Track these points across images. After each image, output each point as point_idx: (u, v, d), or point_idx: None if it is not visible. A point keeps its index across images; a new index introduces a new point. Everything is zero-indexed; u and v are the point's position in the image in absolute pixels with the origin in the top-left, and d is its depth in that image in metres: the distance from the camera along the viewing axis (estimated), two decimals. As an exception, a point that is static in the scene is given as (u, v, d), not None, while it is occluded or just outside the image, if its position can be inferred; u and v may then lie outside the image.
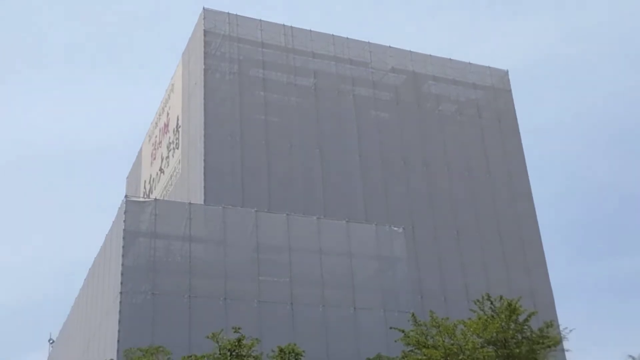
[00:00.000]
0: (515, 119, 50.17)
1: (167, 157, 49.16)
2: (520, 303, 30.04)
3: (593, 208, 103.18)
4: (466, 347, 27.46)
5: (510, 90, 51.10)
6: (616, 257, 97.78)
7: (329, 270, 35.17)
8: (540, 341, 29.44)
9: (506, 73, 51.80)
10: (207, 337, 28.23)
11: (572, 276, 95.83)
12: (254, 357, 28.51)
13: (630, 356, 30.36)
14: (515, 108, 50.54)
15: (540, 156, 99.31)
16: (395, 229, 37.99)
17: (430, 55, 49.58)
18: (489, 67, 51.43)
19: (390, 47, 48.50)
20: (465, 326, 29.13)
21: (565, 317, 77.31)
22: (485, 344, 28.51)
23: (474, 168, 46.71)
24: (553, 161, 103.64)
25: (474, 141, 47.88)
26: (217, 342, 28.01)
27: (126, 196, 34.34)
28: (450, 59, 50.27)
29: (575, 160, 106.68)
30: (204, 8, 44.19)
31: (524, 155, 49.02)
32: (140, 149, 58.71)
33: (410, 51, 48.94)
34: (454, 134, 47.48)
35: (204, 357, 28.04)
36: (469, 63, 50.83)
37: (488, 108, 50.00)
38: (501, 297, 30.59)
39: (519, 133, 49.78)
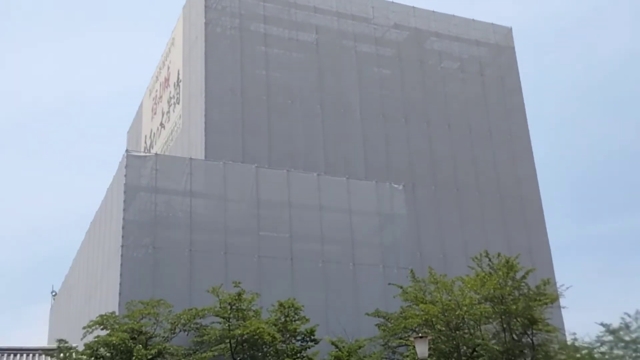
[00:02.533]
0: (518, 77, 49.91)
1: (168, 112, 49.04)
2: (518, 261, 30.34)
3: (594, 167, 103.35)
4: (463, 303, 27.81)
5: (513, 48, 50.72)
6: (616, 215, 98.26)
7: (328, 226, 35.39)
8: (537, 298, 29.81)
9: (510, 30, 51.33)
10: (208, 291, 28.60)
11: (571, 235, 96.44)
12: (253, 311, 28.90)
13: (625, 313, 30.66)
14: (518, 66, 50.26)
15: (543, 115, 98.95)
16: (396, 186, 38.10)
17: (433, 12, 49.10)
18: (493, 24, 50.94)
19: (393, 2, 48.02)
20: (463, 283, 29.48)
21: (563, 275, 78.08)
22: (483, 301, 28.87)
23: (475, 126, 46.61)
24: (555, 120, 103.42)
25: (476, 99, 47.70)
26: (218, 296, 28.38)
27: (127, 151, 34.38)
28: (453, 16, 49.79)
29: (577, 120, 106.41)
30: (205, -39, 43.58)
31: (525, 114, 48.89)
32: (141, 104, 58.52)
33: (413, 7, 48.45)
34: (456, 92, 47.28)
35: (205, 310, 28.43)
36: (473, 20, 50.36)
37: (491, 66, 49.70)
38: (499, 255, 30.87)
39: (522, 91, 49.57)
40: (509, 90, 49.07)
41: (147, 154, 35.65)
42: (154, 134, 52.62)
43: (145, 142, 54.80)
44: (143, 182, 32.82)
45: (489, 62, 49.77)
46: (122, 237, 31.22)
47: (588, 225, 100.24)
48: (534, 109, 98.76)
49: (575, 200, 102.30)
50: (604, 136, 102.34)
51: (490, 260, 30.89)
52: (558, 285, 32.46)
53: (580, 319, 62.55)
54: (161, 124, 50.74)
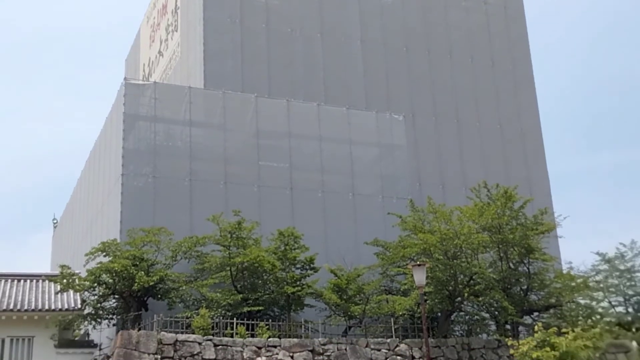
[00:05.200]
0: (522, 5, 48.99)
1: (166, 39, 48.33)
2: (516, 191, 30.48)
3: (596, 99, 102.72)
4: (461, 232, 28.08)
5: (517, -25, 49.55)
6: (617, 148, 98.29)
7: (328, 156, 35.43)
8: (534, 227, 30.10)
9: (514, -43, 50.04)
10: (208, 220, 28.86)
11: (571, 166, 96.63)
12: (253, 239, 29.23)
13: (621, 243, 31.06)
14: (522, -6, 49.24)
15: (545, 45, 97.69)
16: (396, 116, 37.96)
17: (436, -61, 47.73)
18: (497, -49, 49.66)
19: None
20: (461, 212, 29.70)
21: (561, 206, 78.58)
22: (480, 230, 29.16)
23: (477, 56, 46.02)
24: (557, 50, 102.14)
25: (479, 28, 46.91)
26: (218, 224, 28.65)
27: (125, 79, 34.08)
28: (457, -58, 48.44)
29: (580, 50, 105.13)
30: None
31: (528, 44, 48.24)
32: (139, 31, 57.62)
33: None
34: (459, 20, 46.45)
35: (205, 238, 28.75)
36: (477, -54, 49.02)
37: (494, -7, 48.65)
38: (497, 185, 31.01)
39: (525, 21, 48.75)
40: (512, 19, 48.23)
41: (146, 82, 35.38)
42: (152, 62, 52.02)
43: (144, 71, 54.22)
44: (142, 110, 32.66)
45: (493, -11, 48.72)
46: (122, 166, 31.29)
47: (588, 157, 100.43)
48: (537, 37, 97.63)
49: (576, 132, 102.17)
50: (607, 67, 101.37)
51: (488, 190, 31.06)
52: (555, 215, 32.76)
53: (576, 248, 63.48)
54: (159, 52, 50.09)
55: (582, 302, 30.53)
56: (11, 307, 27.30)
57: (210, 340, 24.60)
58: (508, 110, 45.55)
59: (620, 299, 30.33)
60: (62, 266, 28.25)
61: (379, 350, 27.02)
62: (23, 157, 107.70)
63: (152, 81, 38.01)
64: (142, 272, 26.48)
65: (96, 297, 27.71)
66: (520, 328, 29.95)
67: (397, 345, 27.39)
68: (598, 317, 30.11)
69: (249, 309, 26.90)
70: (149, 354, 23.37)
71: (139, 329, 24.91)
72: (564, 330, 24.25)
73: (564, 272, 31.50)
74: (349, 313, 28.24)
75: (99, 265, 27.04)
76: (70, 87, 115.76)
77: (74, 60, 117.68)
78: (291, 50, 40.92)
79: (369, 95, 41.58)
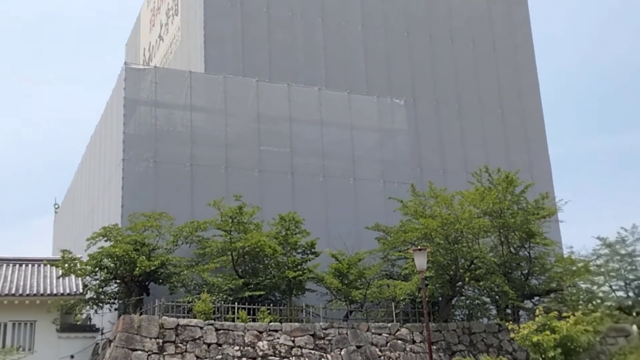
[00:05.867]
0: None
1: (166, 23, 48.11)
2: (517, 176, 30.46)
3: (598, 83, 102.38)
4: (463, 217, 28.09)
5: (518, -42, 49.19)
6: (618, 132, 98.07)
7: (329, 141, 35.36)
8: (535, 212, 30.10)
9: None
10: (209, 205, 28.85)
11: (572, 150, 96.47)
12: (254, 224, 29.25)
13: (622, 227, 31.10)
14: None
15: (547, 29, 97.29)
16: (397, 101, 37.85)
17: None
18: None
19: None
20: (462, 197, 29.69)
21: (563, 190, 78.55)
22: (482, 215, 29.16)
23: (478, 40, 45.80)
24: (560, 34, 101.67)
25: (480, 12, 46.65)
26: (219, 209, 28.66)
27: (125, 63, 33.94)
28: None
29: (582, 34, 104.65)
30: None
31: (530, 28, 47.98)
32: (139, 15, 57.35)
33: None
34: (460, 4, 46.18)
35: (206, 223, 28.76)
36: None
37: (496, -25, 48.31)
38: (499, 170, 30.98)
39: (527, 4, 48.45)
40: (514, 3, 47.95)
41: (146, 67, 35.24)
42: (153, 46, 51.82)
43: (144, 55, 54.04)
44: (143, 95, 32.56)
45: (494, -27, 48.38)
46: (123, 151, 31.25)
47: (590, 141, 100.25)
48: (539, 21, 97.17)
49: (578, 115, 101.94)
50: (611, 50, 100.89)
51: (490, 175, 31.04)
52: (557, 199, 32.77)
53: (577, 232, 63.51)
54: (160, 37, 49.89)
55: (583, 286, 30.63)
56: (13, 291, 27.39)
57: (211, 324, 24.69)
58: (509, 94, 45.41)
59: (621, 283, 30.45)
60: (64, 251, 28.29)
61: (380, 334, 27.12)
62: (24, 142, 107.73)
63: (152, 66, 37.87)
64: (144, 257, 26.52)
65: (98, 281, 27.77)
66: (521, 312, 30.05)
67: (398, 330, 27.48)
68: (599, 301, 30.22)
69: (250, 293, 26.97)
70: (150, 338, 23.46)
71: (141, 314, 24.99)
72: (564, 314, 24.32)
73: (565, 256, 31.56)
74: (350, 297, 28.30)
75: (100, 250, 27.08)
76: (71, 72, 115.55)
77: (75, 45, 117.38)
78: (292, 35, 40.75)
79: (370, 79, 41.45)
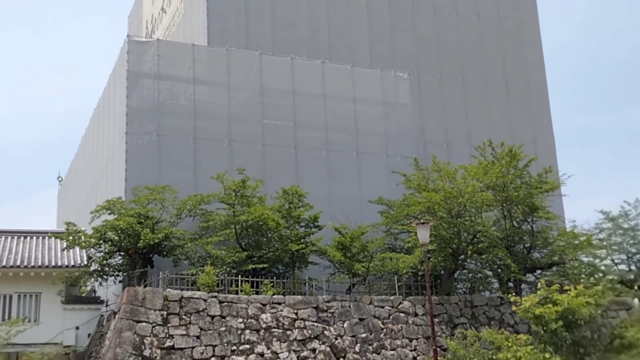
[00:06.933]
0: (529, -40, 48.18)
1: (169, -4, 47.77)
2: (521, 150, 30.40)
3: (602, 56, 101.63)
4: (466, 191, 28.08)
5: None
6: (623, 106, 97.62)
7: (332, 114, 35.28)
8: (539, 186, 30.09)
9: None
10: (212, 178, 28.90)
11: (576, 125, 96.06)
12: (258, 197, 29.30)
13: (625, 201, 31.08)
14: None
15: (553, 2, 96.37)
16: (401, 74, 37.68)
17: None
18: None
19: None
20: (465, 171, 29.68)
21: (566, 165, 78.40)
22: (485, 189, 29.15)
23: (483, 13, 45.44)
24: (564, 7, 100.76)
25: (486, -16, 46.23)
26: (222, 182, 28.71)
27: (128, 36, 33.79)
28: None
29: (587, 7, 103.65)
30: None
31: (535, 1, 47.59)
32: (141, -13, 56.93)
33: None
34: (465, -23, 45.76)
35: (210, 196, 28.83)
36: None
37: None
38: (502, 144, 30.92)
39: (532, -24, 48.04)
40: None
41: (149, 40, 35.05)
42: (155, 19, 51.51)
43: (147, 28, 53.74)
44: (145, 68, 32.47)
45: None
46: (126, 124, 31.24)
47: (594, 115, 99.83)
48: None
49: (582, 90, 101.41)
50: (615, 23, 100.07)
51: (493, 149, 30.99)
52: (560, 173, 32.74)
53: (580, 207, 63.48)
54: (162, 9, 49.56)
55: (585, 259, 30.70)
56: (18, 263, 27.57)
57: (215, 297, 24.85)
58: (514, 68, 45.17)
59: (623, 256, 30.49)
60: (68, 223, 28.41)
61: (383, 307, 27.28)
62: (28, 115, 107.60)
63: (155, 38, 37.68)
64: (147, 230, 26.63)
65: (102, 254, 27.91)
66: (523, 286, 30.18)
67: (400, 303, 27.64)
68: (600, 274, 30.30)
69: (253, 266, 27.10)
70: (154, 310, 23.63)
71: (145, 286, 25.16)
72: (566, 287, 24.42)
73: (568, 230, 31.60)
74: (353, 271, 28.43)
75: (104, 223, 27.18)
76: (74, 44, 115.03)
77: (77, 17, 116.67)
78: (295, 7, 40.47)
79: (373, 53, 41.24)
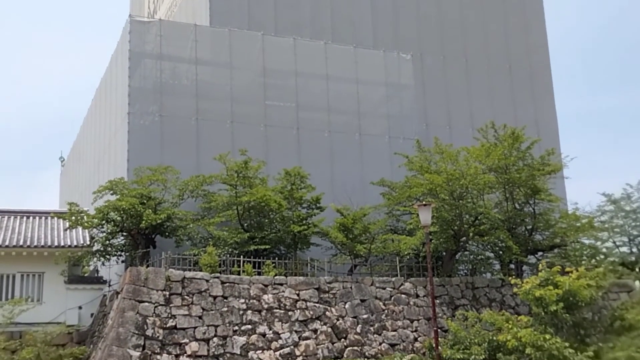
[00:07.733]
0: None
1: (171, -24, 47.50)
2: (524, 132, 30.32)
3: (606, 39, 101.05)
4: (468, 172, 28.04)
5: None
6: (626, 88, 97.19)
7: (335, 96, 35.19)
8: (541, 168, 30.05)
9: None
10: (214, 159, 28.89)
11: (580, 107, 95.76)
12: (260, 179, 29.31)
13: (627, 184, 31.05)
14: None
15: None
16: (404, 55, 37.52)
17: None
18: None
19: None
20: (468, 153, 29.62)
21: (569, 147, 78.22)
22: (487, 171, 29.11)
23: (487, -6, 45.17)
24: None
25: (490, -36, 45.89)
26: (225, 163, 28.71)
27: (130, 16, 33.63)
28: None
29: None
30: None
31: (539, -20, 47.32)
32: (143, -33, 56.62)
33: None
34: (469, -43, 45.41)
35: (212, 177, 28.85)
36: None
37: None
38: (505, 126, 30.84)
39: (536, -45, 47.68)
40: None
41: (151, 20, 34.91)
42: (158, -1, 51.29)
43: (149, 8, 53.52)
44: (147, 48, 32.35)
45: None
46: (129, 104, 31.18)
47: (597, 97, 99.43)
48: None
49: (586, 72, 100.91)
50: (619, 5, 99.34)
51: (496, 131, 30.91)
52: (562, 156, 32.66)
53: (583, 189, 63.53)
54: (164, -11, 49.32)
55: (587, 242, 30.72)
56: (21, 243, 27.63)
57: (217, 277, 24.93)
58: (517, 50, 44.96)
59: (625, 239, 30.51)
60: (71, 203, 28.44)
61: (384, 288, 27.37)
62: (30, 95, 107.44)
63: (157, 18, 37.49)
64: (150, 210, 26.67)
65: (105, 234, 27.97)
66: (524, 268, 30.25)
67: (401, 284, 27.73)
68: (602, 257, 30.34)
69: (255, 247, 27.17)
70: (157, 290, 23.72)
71: (147, 266, 25.23)
72: (567, 269, 24.44)
73: (570, 212, 31.60)
74: (355, 252, 28.49)
75: (106, 203, 27.22)
76: (75, 23, 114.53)
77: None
78: (298, -13, 40.20)
79: (376, 33, 41.05)
